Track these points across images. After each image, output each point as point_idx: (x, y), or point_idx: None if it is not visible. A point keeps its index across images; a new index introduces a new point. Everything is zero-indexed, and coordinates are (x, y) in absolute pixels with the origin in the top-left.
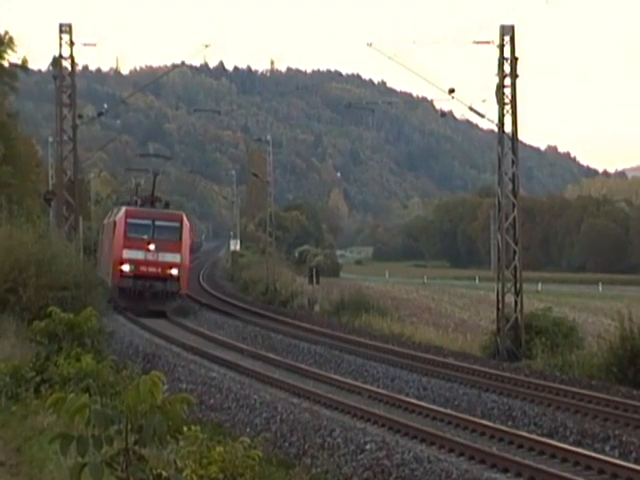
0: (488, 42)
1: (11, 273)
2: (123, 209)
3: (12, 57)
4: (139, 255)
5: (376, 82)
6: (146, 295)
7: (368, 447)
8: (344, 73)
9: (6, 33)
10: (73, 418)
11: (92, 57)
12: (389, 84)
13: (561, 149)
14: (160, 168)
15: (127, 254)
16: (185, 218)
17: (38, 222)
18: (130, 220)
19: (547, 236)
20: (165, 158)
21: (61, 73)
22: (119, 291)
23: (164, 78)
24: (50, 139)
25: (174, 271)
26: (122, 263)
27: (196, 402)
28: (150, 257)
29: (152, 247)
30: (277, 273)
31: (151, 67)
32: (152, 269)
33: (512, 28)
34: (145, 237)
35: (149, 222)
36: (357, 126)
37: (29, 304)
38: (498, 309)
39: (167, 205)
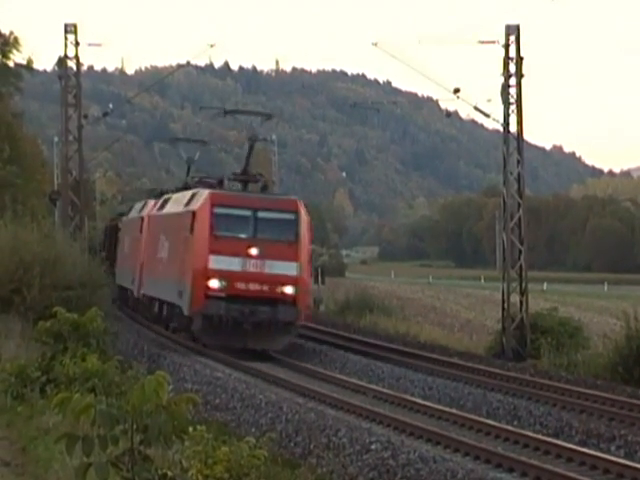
0: (493, 42)
1: (16, 273)
2: (204, 194)
3: (17, 57)
4: (234, 265)
5: (381, 82)
6: (245, 327)
7: (373, 447)
8: (349, 73)
9: (11, 33)
10: (78, 418)
11: (97, 57)
12: (394, 84)
13: (566, 149)
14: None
15: (216, 263)
16: (302, 206)
17: (43, 222)
18: (218, 210)
19: (552, 236)
20: (263, 116)
21: (66, 73)
22: (202, 321)
23: (169, 78)
24: (55, 139)
25: (289, 289)
26: (208, 277)
27: (201, 402)
28: (252, 267)
29: (254, 251)
30: None
31: (156, 67)
32: (255, 286)
33: (517, 28)
34: (243, 236)
35: (248, 213)
36: (362, 126)
37: (33, 304)
38: (503, 309)
39: (266, 187)
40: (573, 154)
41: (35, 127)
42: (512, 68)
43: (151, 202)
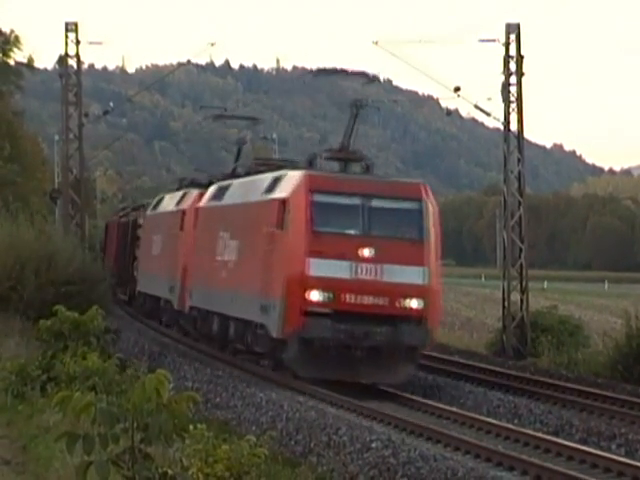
0: (494, 40)
1: (13, 270)
2: (296, 176)
3: (18, 56)
4: (342, 271)
5: (382, 80)
6: (356, 353)
7: (374, 445)
8: (350, 71)
9: (12, 32)
10: (79, 417)
11: (98, 55)
12: (395, 82)
13: (567, 147)
14: None
15: (317, 269)
16: (428, 192)
17: (38, 218)
18: (318, 197)
19: (553, 234)
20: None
21: (67, 71)
22: (299, 346)
23: (170, 76)
24: (56, 137)
25: (414, 303)
26: (306, 287)
27: (202, 400)
28: (365, 274)
29: (368, 253)
30: None
31: (157, 65)
32: (370, 299)
33: (518, 26)
34: (352, 233)
35: (358, 201)
36: (363, 124)
37: (31, 301)
38: (504, 307)
39: (369, 168)
40: (573, 152)
41: (36, 125)
42: (512, 66)
43: (194, 192)
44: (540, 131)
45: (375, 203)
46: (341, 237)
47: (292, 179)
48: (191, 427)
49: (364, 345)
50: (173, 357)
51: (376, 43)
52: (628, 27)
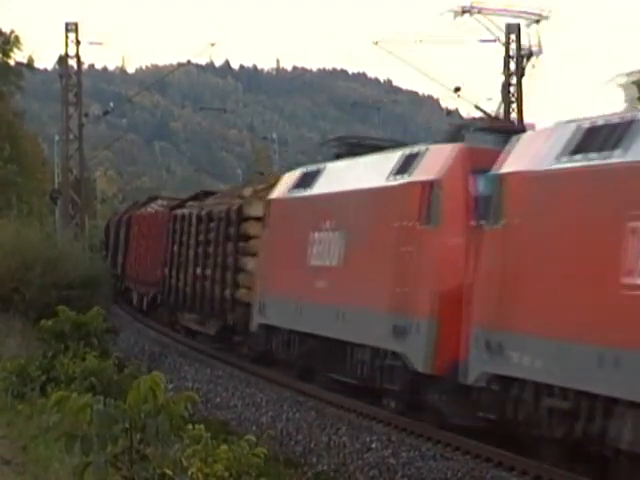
0: (494, 40)
1: (17, 272)
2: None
3: (18, 56)
4: None
5: (382, 81)
6: None
7: (374, 446)
8: (350, 72)
9: (12, 32)
10: (77, 417)
11: (98, 56)
12: (395, 83)
13: None
14: None
15: None
16: None
17: (44, 220)
18: None
19: None
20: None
21: (67, 72)
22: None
23: (170, 77)
24: (56, 138)
25: None
26: None
27: (202, 400)
28: None
29: None
30: None
31: (157, 66)
32: None
33: (518, 26)
34: None
35: None
36: (363, 124)
37: (34, 303)
38: None
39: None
40: None
41: (36, 126)
42: (512, 67)
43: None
44: None
45: None
46: None
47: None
48: (190, 427)
49: None
50: (173, 357)
51: (376, 43)
52: (628, 27)
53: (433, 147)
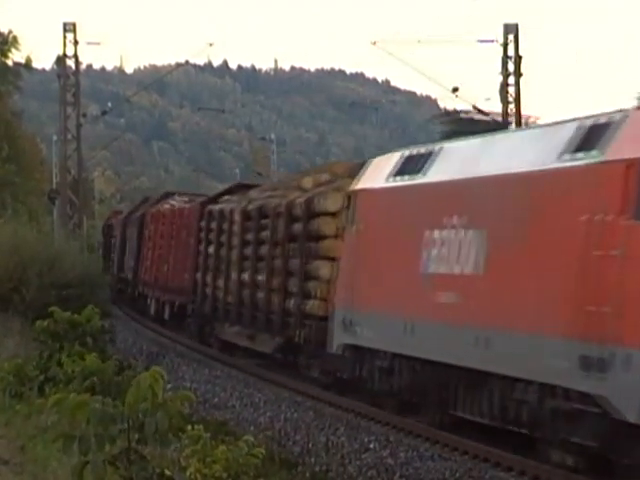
0: (492, 41)
1: (15, 272)
2: None
3: (16, 56)
4: None
5: (380, 81)
6: None
7: (372, 446)
8: (348, 72)
9: (10, 32)
10: (74, 417)
11: (96, 56)
12: (393, 83)
13: None
14: None
15: None
16: None
17: (42, 220)
18: None
19: None
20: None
21: (65, 72)
22: None
23: (168, 77)
24: (54, 138)
25: None
26: None
27: (200, 400)
28: None
29: None
30: None
31: (155, 66)
32: None
33: (516, 27)
34: None
35: None
36: (361, 125)
37: (32, 302)
38: None
39: None
40: None
41: (34, 126)
42: (511, 67)
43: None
44: None
45: None
46: None
47: None
48: (188, 427)
49: None
50: (171, 357)
51: (374, 43)
52: (628, 27)
53: (636, 113)
